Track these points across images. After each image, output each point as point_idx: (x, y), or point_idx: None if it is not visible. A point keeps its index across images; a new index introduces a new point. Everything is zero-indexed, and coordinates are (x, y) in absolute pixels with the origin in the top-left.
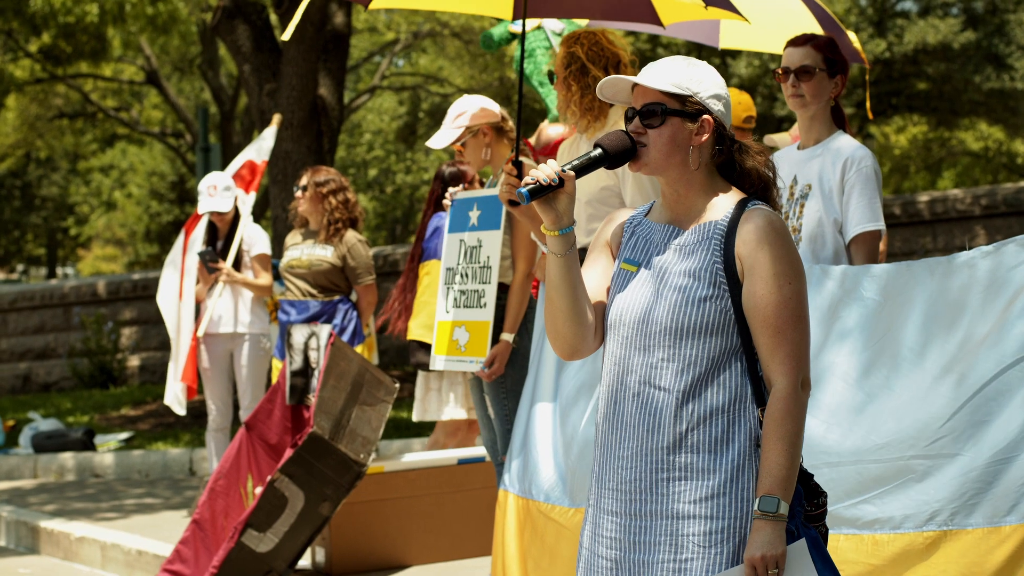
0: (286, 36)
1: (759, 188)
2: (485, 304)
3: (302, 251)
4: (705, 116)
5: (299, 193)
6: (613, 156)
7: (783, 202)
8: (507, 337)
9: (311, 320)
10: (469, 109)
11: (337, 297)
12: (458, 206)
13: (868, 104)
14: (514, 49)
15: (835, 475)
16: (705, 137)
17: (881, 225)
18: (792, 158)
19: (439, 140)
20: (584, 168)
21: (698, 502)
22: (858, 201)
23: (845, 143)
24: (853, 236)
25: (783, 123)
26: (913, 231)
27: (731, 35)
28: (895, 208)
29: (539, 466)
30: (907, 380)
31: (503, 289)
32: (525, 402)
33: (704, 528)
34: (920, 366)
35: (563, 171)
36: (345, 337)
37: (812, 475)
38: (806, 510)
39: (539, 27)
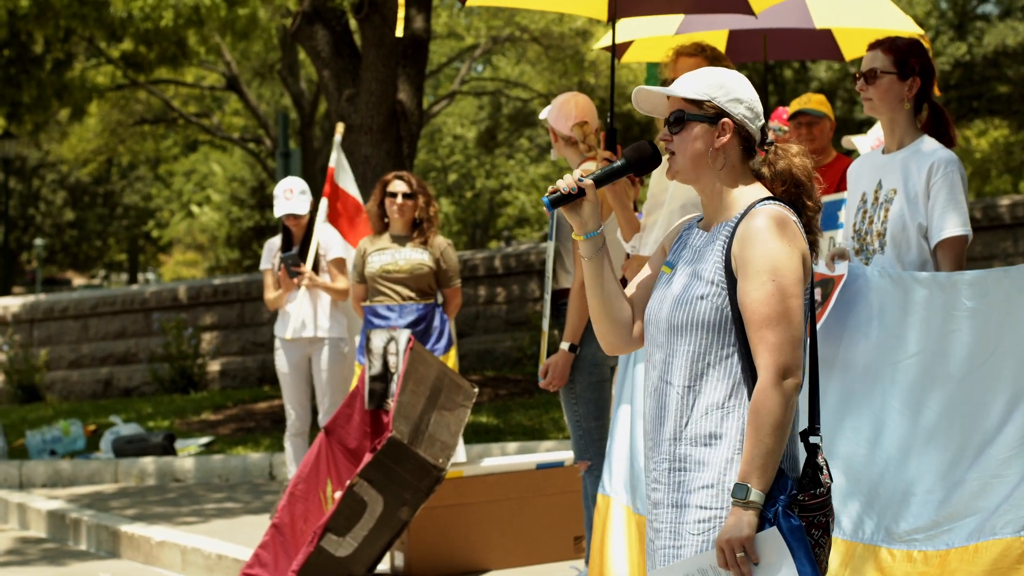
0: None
1: (791, 188)
2: (545, 314)
3: (395, 255)
4: (725, 119)
5: (395, 199)
6: (634, 164)
7: (868, 206)
8: (563, 346)
9: (414, 324)
10: (557, 103)
11: (432, 300)
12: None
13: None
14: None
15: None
16: (726, 139)
17: (968, 230)
18: (876, 162)
19: (544, 111)
20: (606, 177)
21: (693, 492)
22: (944, 206)
23: (930, 147)
24: (939, 241)
25: (863, 126)
26: (994, 235)
27: (823, 15)
28: (976, 212)
29: (640, 477)
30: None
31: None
32: (619, 405)
33: (697, 517)
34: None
35: (581, 181)
36: (443, 340)
37: (821, 467)
38: (798, 500)
39: None
